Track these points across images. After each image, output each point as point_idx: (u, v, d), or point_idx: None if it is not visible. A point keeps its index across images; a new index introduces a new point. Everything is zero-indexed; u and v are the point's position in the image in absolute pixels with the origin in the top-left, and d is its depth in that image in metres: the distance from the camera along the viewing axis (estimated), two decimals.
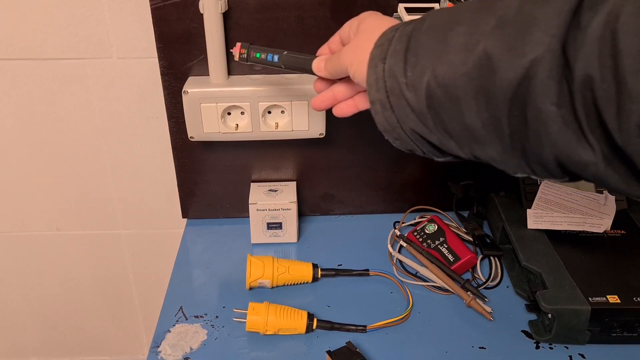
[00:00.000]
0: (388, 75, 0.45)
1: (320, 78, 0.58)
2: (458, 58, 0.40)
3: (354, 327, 0.68)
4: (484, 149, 0.42)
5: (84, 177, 0.92)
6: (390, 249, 0.81)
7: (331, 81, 0.58)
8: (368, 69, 0.47)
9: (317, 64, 0.57)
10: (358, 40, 0.51)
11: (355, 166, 0.86)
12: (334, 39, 0.58)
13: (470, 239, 0.82)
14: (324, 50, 0.59)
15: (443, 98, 0.41)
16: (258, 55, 0.60)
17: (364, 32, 0.51)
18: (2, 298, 1.06)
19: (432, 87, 0.42)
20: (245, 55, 0.61)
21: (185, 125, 0.77)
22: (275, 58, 0.59)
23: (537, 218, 0.76)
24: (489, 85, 0.38)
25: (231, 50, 0.62)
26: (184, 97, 0.74)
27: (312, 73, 0.58)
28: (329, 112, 0.79)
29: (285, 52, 0.59)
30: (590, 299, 0.64)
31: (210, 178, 0.86)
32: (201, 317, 0.71)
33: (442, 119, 0.42)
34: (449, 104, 0.41)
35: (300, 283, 0.76)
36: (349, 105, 0.57)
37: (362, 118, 0.82)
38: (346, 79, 0.56)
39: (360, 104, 0.57)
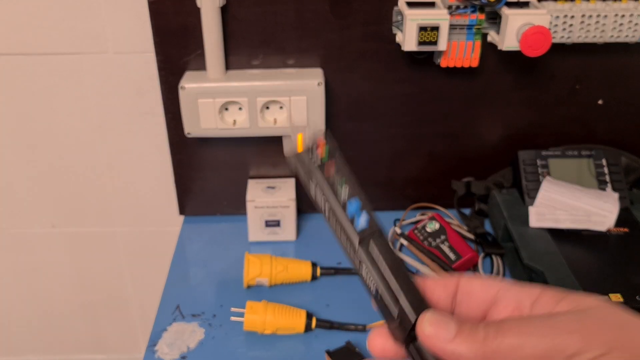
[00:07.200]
0: None
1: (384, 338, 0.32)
2: None
3: (353, 327, 0.68)
4: None
5: (79, 174, 0.91)
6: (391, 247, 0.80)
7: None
8: None
9: (444, 327, 0.29)
10: (598, 316, 0.29)
11: (355, 162, 0.85)
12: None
13: (472, 237, 0.81)
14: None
15: None
16: (343, 183, 0.34)
17: (593, 309, 0.30)
18: None
19: None
20: (323, 157, 0.35)
21: (182, 121, 0.76)
22: (363, 221, 0.33)
23: (540, 216, 0.75)
24: None
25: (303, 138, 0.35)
26: (181, 93, 0.74)
27: (401, 325, 0.31)
28: (328, 109, 0.78)
29: (379, 231, 0.34)
30: None
31: (207, 175, 0.85)
32: (198, 315, 0.70)
33: None
34: None
35: (299, 282, 0.75)
36: None
37: (362, 114, 0.82)
38: None
39: None
